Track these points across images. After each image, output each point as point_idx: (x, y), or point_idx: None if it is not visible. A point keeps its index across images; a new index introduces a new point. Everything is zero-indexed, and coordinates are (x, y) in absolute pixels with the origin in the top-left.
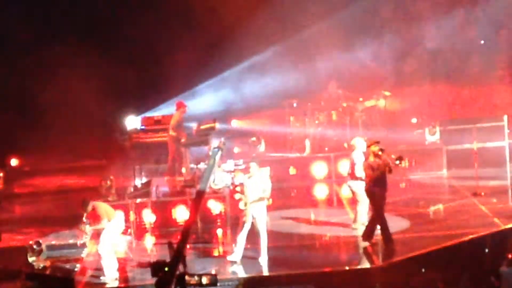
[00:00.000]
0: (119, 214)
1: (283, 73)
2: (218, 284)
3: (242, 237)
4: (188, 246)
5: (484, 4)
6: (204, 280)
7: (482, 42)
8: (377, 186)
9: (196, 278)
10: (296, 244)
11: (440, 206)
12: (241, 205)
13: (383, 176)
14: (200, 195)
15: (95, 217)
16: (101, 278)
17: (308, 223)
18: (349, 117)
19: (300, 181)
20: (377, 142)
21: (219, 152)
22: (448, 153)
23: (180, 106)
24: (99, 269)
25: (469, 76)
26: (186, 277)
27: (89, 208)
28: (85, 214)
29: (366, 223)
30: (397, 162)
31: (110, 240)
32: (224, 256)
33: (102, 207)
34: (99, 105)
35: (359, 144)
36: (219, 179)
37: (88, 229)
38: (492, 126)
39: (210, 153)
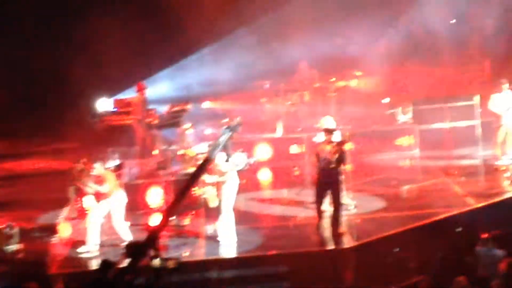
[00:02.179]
0: (122, 193)
1: (254, 55)
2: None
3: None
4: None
5: None
6: (169, 264)
7: (453, 21)
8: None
9: (160, 261)
10: (269, 225)
11: (413, 186)
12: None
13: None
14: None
15: (100, 181)
16: (78, 250)
17: (280, 204)
18: (321, 97)
19: (274, 162)
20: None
21: (230, 133)
22: (420, 133)
23: (140, 88)
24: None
25: (441, 55)
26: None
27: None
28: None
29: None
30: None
31: (102, 212)
32: (201, 238)
33: (111, 175)
34: (70, 87)
35: (328, 124)
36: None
37: (91, 186)
38: (464, 105)
39: (222, 132)
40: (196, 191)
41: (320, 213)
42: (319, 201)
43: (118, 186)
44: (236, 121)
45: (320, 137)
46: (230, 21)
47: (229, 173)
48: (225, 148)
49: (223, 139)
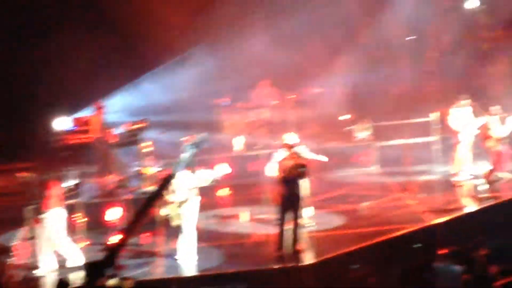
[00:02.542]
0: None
1: (214, 72)
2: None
3: (183, 237)
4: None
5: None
6: (126, 283)
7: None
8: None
9: (118, 281)
10: (228, 243)
11: (372, 202)
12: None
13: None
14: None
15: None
16: (34, 271)
17: (240, 221)
18: (280, 114)
19: (234, 179)
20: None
21: (194, 149)
22: (379, 149)
23: (98, 106)
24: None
25: (400, 72)
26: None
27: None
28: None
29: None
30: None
31: (52, 234)
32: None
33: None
34: (29, 106)
35: (289, 140)
36: (203, 176)
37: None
38: (423, 122)
39: (186, 148)
40: (158, 209)
41: (280, 230)
42: (280, 217)
43: (57, 203)
44: (201, 137)
45: (282, 153)
46: (189, 38)
47: (192, 190)
48: (189, 165)
49: (187, 155)
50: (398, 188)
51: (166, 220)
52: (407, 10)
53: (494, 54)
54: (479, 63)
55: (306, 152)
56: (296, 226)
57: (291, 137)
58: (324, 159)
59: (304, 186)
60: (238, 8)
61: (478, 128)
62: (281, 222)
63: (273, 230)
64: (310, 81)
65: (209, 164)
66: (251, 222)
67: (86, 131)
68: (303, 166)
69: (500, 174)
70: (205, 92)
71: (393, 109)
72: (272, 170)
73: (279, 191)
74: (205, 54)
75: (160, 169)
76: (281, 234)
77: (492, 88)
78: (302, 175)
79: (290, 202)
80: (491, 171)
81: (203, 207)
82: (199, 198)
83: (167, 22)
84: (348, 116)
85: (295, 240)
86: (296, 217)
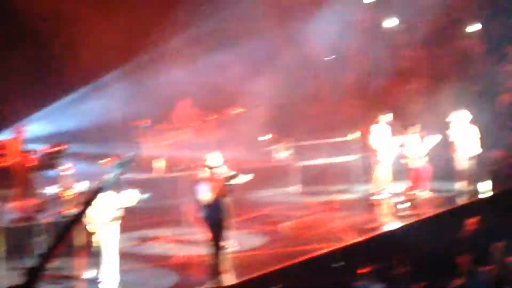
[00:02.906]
0: None
1: (134, 93)
2: None
3: (105, 260)
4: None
5: (328, 20)
6: None
7: (328, 58)
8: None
9: None
10: (150, 265)
11: (293, 222)
12: (94, 227)
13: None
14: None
15: None
16: None
17: (160, 243)
18: (202, 135)
19: (155, 201)
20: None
21: (120, 169)
22: (300, 169)
23: (17, 130)
24: None
25: (320, 91)
26: None
27: None
28: None
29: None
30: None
31: None
32: (83, 280)
33: None
34: None
35: (213, 161)
36: (129, 197)
37: None
38: (343, 141)
39: (111, 169)
40: (80, 232)
41: (205, 250)
42: (205, 238)
43: None
44: (128, 157)
45: (206, 174)
46: (108, 60)
47: (115, 212)
48: (114, 186)
49: (111, 176)
50: (319, 207)
51: (88, 243)
52: (326, 30)
53: (413, 72)
54: (399, 82)
55: (227, 173)
56: (217, 247)
57: (214, 158)
58: (246, 178)
59: (227, 207)
60: (160, 29)
61: (398, 147)
62: (204, 243)
63: (196, 251)
64: (231, 102)
65: (131, 186)
66: (173, 243)
67: (4, 155)
68: (226, 186)
69: (419, 192)
70: (126, 114)
71: (314, 128)
72: (202, 192)
73: (203, 212)
74: (126, 76)
75: (81, 191)
76: (202, 255)
77: (412, 106)
78: (225, 195)
79: (214, 223)
80: (410, 189)
81: (126, 229)
82: (121, 219)
83: (88, 44)
84: (269, 136)
85: (217, 261)
86: (217, 238)
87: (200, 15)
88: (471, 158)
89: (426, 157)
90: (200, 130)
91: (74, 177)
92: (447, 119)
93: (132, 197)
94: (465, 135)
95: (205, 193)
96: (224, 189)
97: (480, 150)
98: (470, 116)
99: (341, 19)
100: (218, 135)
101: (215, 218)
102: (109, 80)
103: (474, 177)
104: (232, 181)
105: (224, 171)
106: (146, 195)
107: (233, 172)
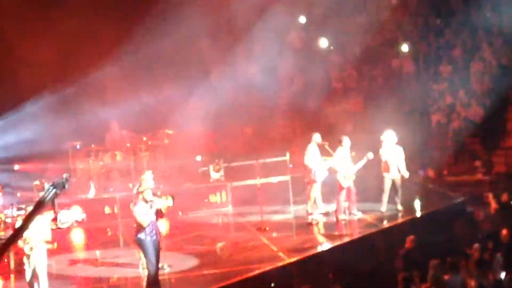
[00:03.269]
0: None
1: (65, 116)
2: None
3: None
4: None
5: (261, 40)
6: None
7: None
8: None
9: None
10: (86, 287)
11: (226, 243)
12: (26, 249)
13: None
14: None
15: None
16: None
17: (94, 265)
18: (133, 157)
19: (87, 223)
20: None
21: (54, 190)
22: (232, 190)
23: None
24: None
25: (251, 112)
26: None
27: None
28: None
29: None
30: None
31: None
32: None
33: None
34: None
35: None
36: (64, 217)
37: None
38: (275, 161)
39: (45, 190)
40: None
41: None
42: (139, 259)
43: None
44: (63, 178)
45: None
46: (38, 82)
47: (47, 234)
48: (50, 206)
49: (46, 197)
50: (252, 227)
51: (19, 265)
52: (260, 50)
53: (346, 92)
54: (331, 102)
55: (159, 195)
56: (153, 269)
57: (146, 180)
58: (170, 203)
59: (160, 228)
60: (88, 50)
61: (329, 166)
62: (144, 265)
63: (131, 273)
64: (163, 123)
65: (63, 207)
66: (105, 265)
67: None
68: (158, 209)
69: (353, 211)
70: (57, 136)
71: (247, 149)
72: (136, 213)
73: (137, 234)
74: (58, 97)
75: (15, 213)
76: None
77: (344, 126)
78: (158, 217)
79: (148, 245)
80: (343, 209)
81: (61, 250)
82: (54, 241)
83: (11, 66)
84: (201, 158)
85: (149, 283)
86: (153, 260)
87: (131, 37)
88: (400, 178)
89: (354, 176)
90: (131, 152)
91: (5, 198)
92: (380, 138)
93: (67, 218)
94: (394, 155)
95: (139, 215)
96: (157, 211)
97: (404, 173)
98: (396, 138)
99: (274, 39)
100: (149, 157)
101: (149, 240)
102: (40, 102)
103: (405, 196)
104: (158, 204)
105: (155, 193)
106: (76, 217)
107: (164, 196)
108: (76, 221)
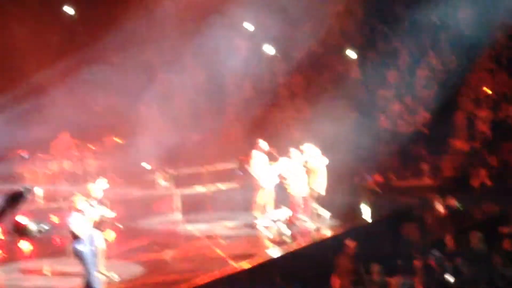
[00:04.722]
0: None
1: (13, 123)
2: None
3: None
4: None
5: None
6: None
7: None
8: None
9: None
10: None
11: (175, 251)
12: None
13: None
14: None
15: None
16: None
17: (41, 275)
18: (81, 166)
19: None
20: None
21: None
22: (181, 197)
23: None
24: None
25: (200, 119)
26: None
27: None
28: None
29: None
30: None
31: None
32: None
33: None
34: None
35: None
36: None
37: None
38: (224, 169)
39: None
40: None
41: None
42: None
43: None
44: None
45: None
46: None
47: None
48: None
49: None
50: (201, 235)
51: None
52: (207, 58)
53: (292, 99)
54: (280, 109)
55: (96, 208)
56: (94, 279)
57: (94, 188)
58: (111, 215)
59: (104, 238)
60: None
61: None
62: (85, 276)
63: (78, 283)
64: (110, 131)
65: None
66: (53, 275)
67: None
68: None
69: (302, 218)
70: (4, 144)
71: (195, 156)
72: (75, 223)
73: (76, 244)
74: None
75: None
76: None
77: (290, 133)
78: (99, 227)
79: (88, 255)
80: (291, 216)
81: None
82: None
83: None
84: (149, 165)
85: None
86: (93, 270)
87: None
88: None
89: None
90: (79, 160)
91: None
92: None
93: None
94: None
95: (74, 225)
96: (98, 220)
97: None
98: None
99: (222, 46)
100: (97, 165)
101: (89, 250)
102: None
103: (352, 202)
104: (94, 214)
105: (100, 202)
106: (47, 225)
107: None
108: (44, 230)
